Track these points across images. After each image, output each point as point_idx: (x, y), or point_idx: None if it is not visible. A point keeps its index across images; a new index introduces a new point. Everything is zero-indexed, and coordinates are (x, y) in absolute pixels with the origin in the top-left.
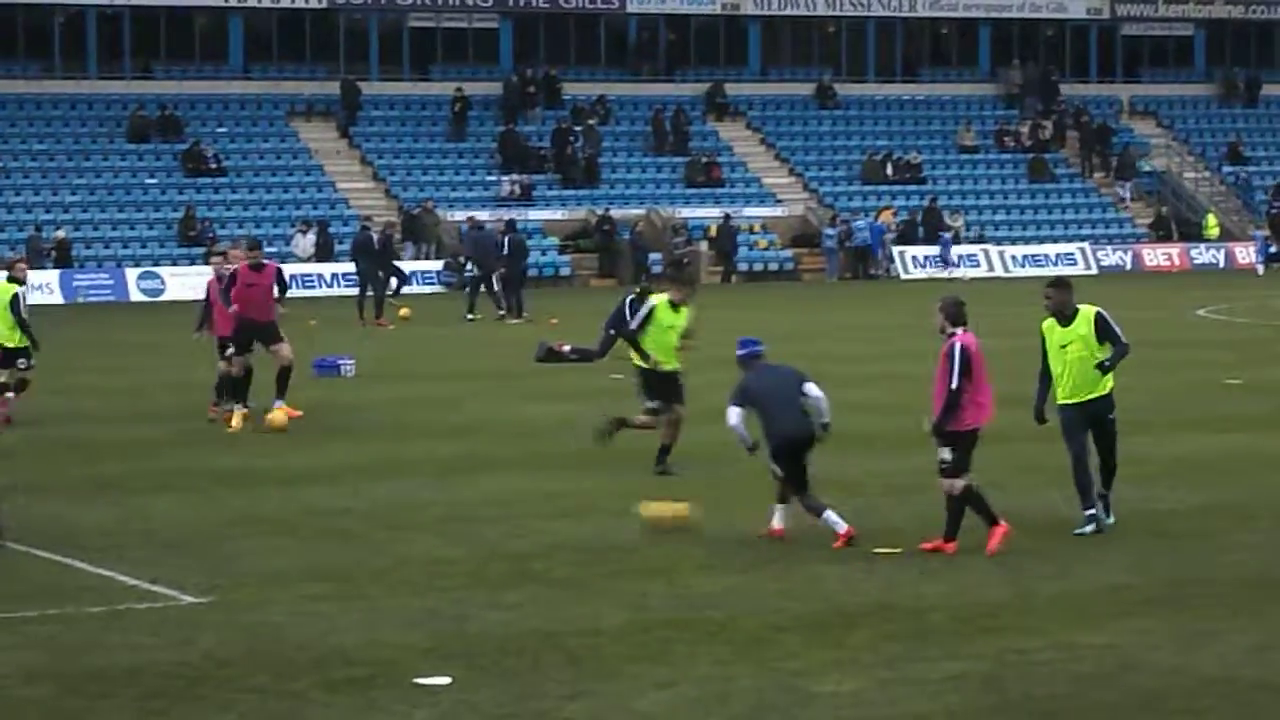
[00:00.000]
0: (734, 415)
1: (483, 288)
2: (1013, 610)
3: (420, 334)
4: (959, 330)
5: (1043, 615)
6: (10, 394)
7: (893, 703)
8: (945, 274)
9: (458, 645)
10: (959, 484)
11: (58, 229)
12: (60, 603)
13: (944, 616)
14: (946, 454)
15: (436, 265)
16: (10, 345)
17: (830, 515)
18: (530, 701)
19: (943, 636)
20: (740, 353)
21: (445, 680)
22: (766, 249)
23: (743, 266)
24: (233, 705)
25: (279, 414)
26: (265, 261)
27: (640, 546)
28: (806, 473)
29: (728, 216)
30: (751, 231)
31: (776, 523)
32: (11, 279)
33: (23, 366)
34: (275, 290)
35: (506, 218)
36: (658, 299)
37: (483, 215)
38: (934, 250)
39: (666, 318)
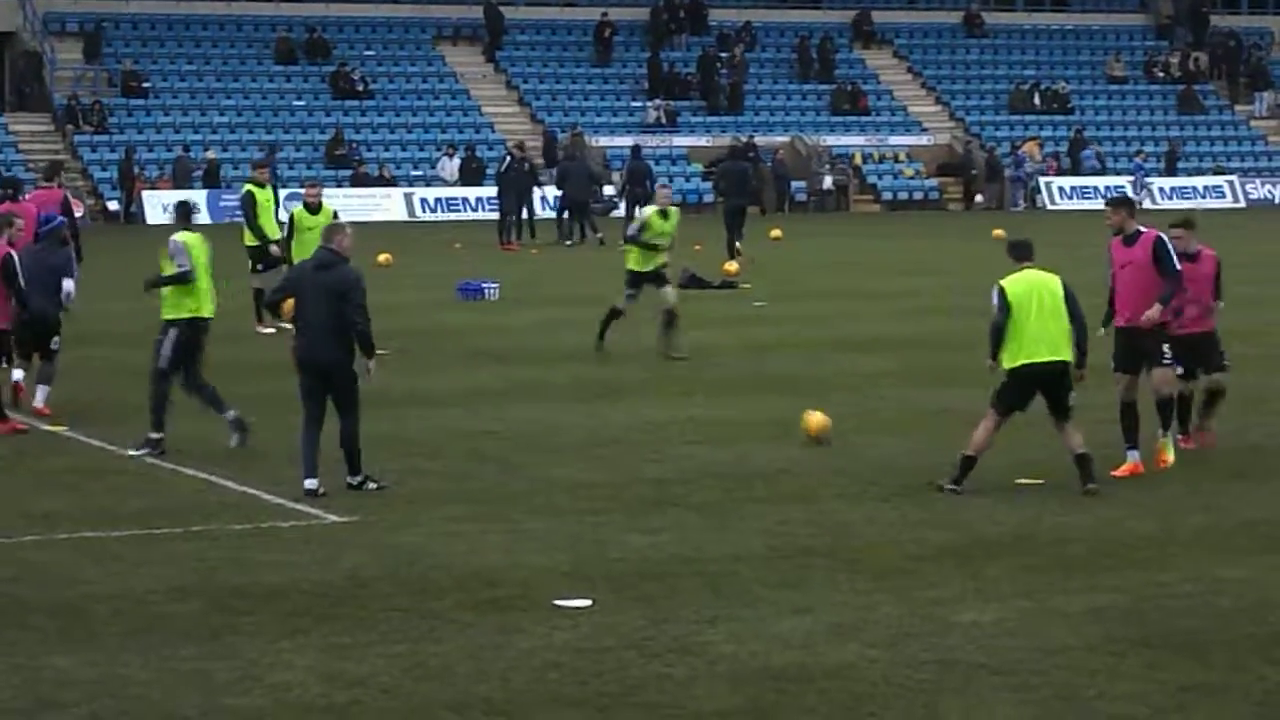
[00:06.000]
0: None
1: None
2: (1154, 543)
3: (562, 258)
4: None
5: (1184, 549)
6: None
7: (1032, 634)
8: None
9: (598, 569)
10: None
11: (206, 149)
12: (206, 520)
13: (1085, 549)
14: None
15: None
16: None
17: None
18: (668, 625)
19: (1083, 568)
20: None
21: (585, 603)
22: (912, 177)
23: (887, 195)
24: (374, 624)
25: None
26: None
27: (781, 473)
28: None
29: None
30: (896, 160)
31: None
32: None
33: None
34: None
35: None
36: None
37: (627, 140)
38: (1079, 180)
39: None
